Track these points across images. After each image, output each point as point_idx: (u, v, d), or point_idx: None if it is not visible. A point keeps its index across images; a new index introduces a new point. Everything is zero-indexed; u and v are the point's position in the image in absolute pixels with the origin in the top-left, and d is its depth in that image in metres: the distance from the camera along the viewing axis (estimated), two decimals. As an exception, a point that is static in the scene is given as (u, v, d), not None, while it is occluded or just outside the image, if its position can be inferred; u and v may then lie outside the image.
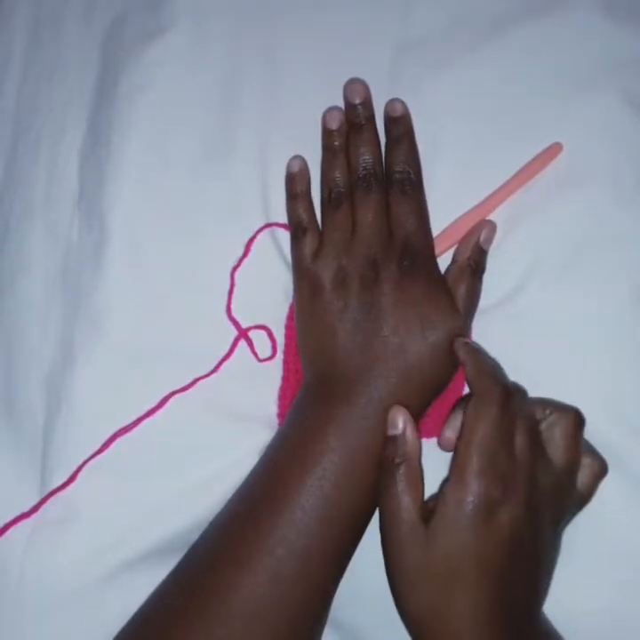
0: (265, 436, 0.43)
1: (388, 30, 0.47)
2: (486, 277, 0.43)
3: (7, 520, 0.43)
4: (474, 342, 0.40)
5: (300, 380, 0.44)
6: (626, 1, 0.46)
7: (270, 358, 0.45)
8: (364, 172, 0.43)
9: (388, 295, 0.40)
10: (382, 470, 0.38)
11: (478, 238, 0.42)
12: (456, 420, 0.39)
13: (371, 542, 0.39)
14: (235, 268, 0.45)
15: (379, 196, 0.43)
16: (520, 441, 0.36)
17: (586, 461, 0.39)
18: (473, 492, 0.35)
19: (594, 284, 0.42)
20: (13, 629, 0.42)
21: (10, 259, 0.48)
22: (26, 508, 0.43)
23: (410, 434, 0.38)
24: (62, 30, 0.51)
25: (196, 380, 0.44)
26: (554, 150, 0.44)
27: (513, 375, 0.40)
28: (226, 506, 0.41)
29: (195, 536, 0.41)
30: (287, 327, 0.45)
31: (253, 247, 0.45)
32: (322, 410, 0.40)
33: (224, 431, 0.44)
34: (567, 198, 0.43)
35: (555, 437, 0.38)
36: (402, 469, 0.37)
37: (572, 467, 0.38)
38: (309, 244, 0.43)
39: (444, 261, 0.43)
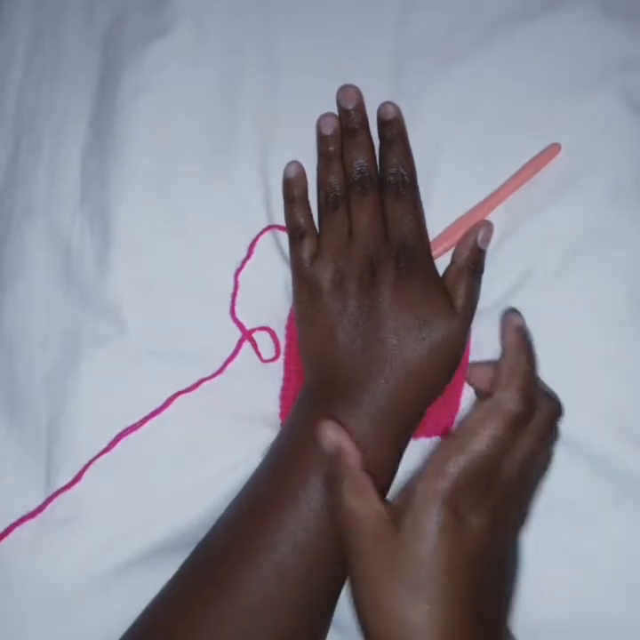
0: (268, 436, 0.44)
1: (388, 31, 0.47)
2: (485, 278, 0.43)
3: (13, 520, 0.43)
4: (525, 328, 0.37)
5: (301, 381, 0.44)
6: (625, 1, 0.46)
7: (273, 359, 0.45)
8: (359, 176, 0.43)
9: (386, 297, 0.40)
10: (329, 490, 0.36)
11: (476, 239, 0.42)
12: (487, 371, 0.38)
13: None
14: (238, 271, 0.46)
15: (374, 198, 0.43)
16: (516, 458, 0.35)
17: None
18: (450, 489, 0.32)
19: (592, 284, 0.42)
20: (19, 628, 0.43)
21: (11, 259, 0.48)
22: (31, 508, 0.43)
23: (345, 446, 0.36)
24: (63, 31, 0.51)
25: (201, 380, 0.44)
26: (552, 151, 0.44)
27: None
28: (231, 504, 0.41)
29: (200, 534, 0.41)
30: (288, 328, 0.46)
31: (256, 249, 0.46)
32: (322, 409, 0.40)
33: (228, 431, 0.44)
34: (566, 199, 0.43)
35: (539, 459, 0.37)
36: (353, 480, 0.35)
37: (544, 476, 0.38)
38: (307, 247, 0.44)
39: (443, 262, 0.44)
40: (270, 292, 0.46)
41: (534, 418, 0.35)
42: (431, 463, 0.34)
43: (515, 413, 0.34)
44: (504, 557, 0.36)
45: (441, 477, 0.33)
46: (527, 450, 0.35)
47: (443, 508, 0.32)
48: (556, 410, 0.37)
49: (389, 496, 0.40)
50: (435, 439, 0.42)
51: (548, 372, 0.40)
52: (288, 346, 0.45)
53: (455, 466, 0.33)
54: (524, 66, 0.45)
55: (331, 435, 0.36)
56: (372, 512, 0.34)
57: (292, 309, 0.45)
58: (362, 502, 0.34)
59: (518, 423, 0.34)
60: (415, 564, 0.32)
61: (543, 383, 0.39)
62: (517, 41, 0.46)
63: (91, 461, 0.43)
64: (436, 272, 0.42)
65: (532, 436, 0.35)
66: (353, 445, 0.36)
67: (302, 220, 0.44)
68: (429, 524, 0.32)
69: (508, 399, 0.34)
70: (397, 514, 0.33)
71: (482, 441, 0.33)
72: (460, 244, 0.43)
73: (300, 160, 0.45)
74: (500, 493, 0.34)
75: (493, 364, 0.37)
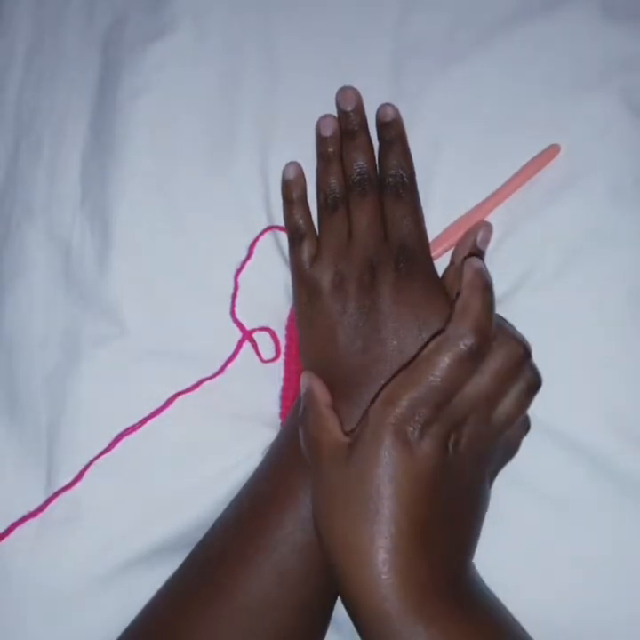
0: (268, 436, 0.44)
1: (387, 31, 0.47)
2: None
3: (13, 520, 0.43)
4: (487, 273, 0.37)
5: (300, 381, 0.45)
6: (625, 1, 0.46)
7: (274, 359, 0.45)
8: (358, 177, 0.44)
9: (386, 298, 0.40)
10: (299, 425, 0.38)
11: (476, 239, 0.42)
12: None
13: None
14: (238, 272, 0.46)
15: (374, 200, 0.43)
16: (468, 392, 0.35)
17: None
18: (401, 414, 0.33)
19: (592, 284, 0.42)
20: (19, 628, 0.43)
21: (11, 259, 0.48)
22: (31, 508, 0.43)
23: (315, 387, 0.39)
24: (63, 32, 0.51)
25: (202, 381, 0.44)
26: (552, 151, 0.44)
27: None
28: (231, 504, 0.41)
29: (200, 535, 0.41)
30: (288, 329, 0.46)
31: (256, 249, 0.46)
32: None
33: (228, 431, 0.44)
34: (565, 199, 0.43)
35: (509, 390, 0.37)
36: (318, 414, 0.37)
37: (512, 422, 0.37)
38: (307, 249, 0.44)
39: (443, 263, 0.44)
40: (270, 292, 0.46)
41: (493, 356, 0.36)
42: (383, 392, 0.35)
43: (465, 346, 0.34)
44: (460, 491, 0.36)
45: (390, 405, 0.34)
46: (483, 385, 0.35)
47: (390, 433, 0.33)
48: (517, 351, 0.36)
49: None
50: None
51: (548, 372, 0.40)
52: (288, 346, 0.45)
53: (404, 394, 0.34)
54: (523, 66, 0.45)
55: (305, 378, 0.39)
56: (332, 439, 0.36)
57: (292, 310, 0.46)
58: (323, 431, 0.36)
59: (469, 356, 0.34)
60: (363, 486, 0.33)
61: (511, 327, 0.38)
62: (517, 41, 0.45)
63: (91, 461, 0.43)
64: (435, 273, 0.42)
65: (489, 372, 0.35)
66: (323, 388, 0.39)
67: (301, 222, 0.44)
68: (377, 448, 0.33)
69: (460, 333, 0.34)
70: (353, 440, 0.35)
71: (431, 371, 0.34)
72: (459, 245, 0.43)
73: (300, 161, 0.46)
74: (450, 423, 0.34)
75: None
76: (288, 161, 0.45)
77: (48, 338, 0.46)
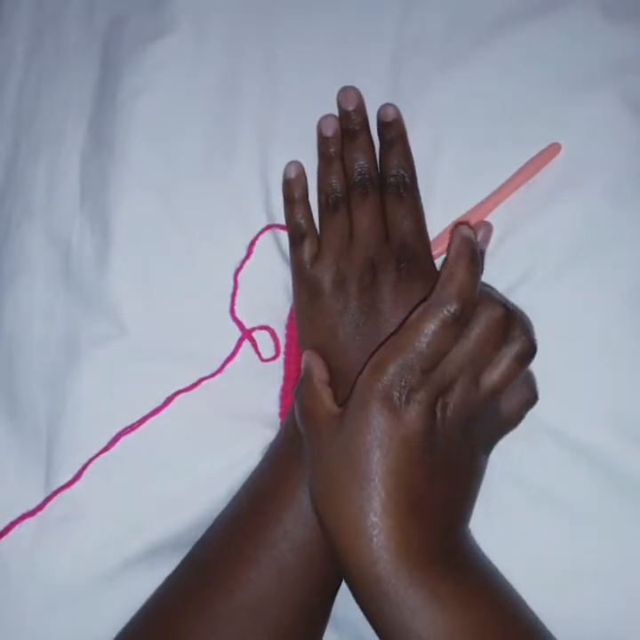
0: (268, 435, 0.44)
1: (387, 31, 0.47)
2: (484, 278, 0.42)
3: (12, 518, 0.43)
4: (475, 239, 0.37)
5: (300, 380, 0.45)
6: (625, 1, 0.46)
7: (273, 358, 0.45)
8: (359, 177, 0.44)
9: (387, 297, 0.41)
10: (295, 400, 0.39)
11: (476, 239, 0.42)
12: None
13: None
14: (238, 270, 0.46)
15: (375, 200, 0.43)
16: (454, 358, 0.35)
17: (516, 384, 0.38)
18: (387, 380, 0.34)
19: (592, 284, 0.42)
20: (18, 627, 0.43)
21: (10, 259, 0.48)
22: (31, 507, 0.43)
23: (313, 363, 0.39)
24: (63, 32, 0.51)
25: (201, 380, 0.44)
26: (552, 150, 0.44)
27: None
28: (230, 502, 0.42)
29: (199, 533, 0.41)
30: (288, 328, 0.46)
31: (256, 248, 0.46)
32: None
33: (227, 430, 0.44)
34: (565, 199, 0.43)
35: (498, 360, 0.36)
36: (313, 388, 0.38)
37: (502, 392, 0.37)
38: (308, 248, 0.44)
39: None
40: (270, 291, 0.46)
41: (476, 319, 0.36)
42: (370, 360, 0.35)
43: (449, 311, 0.34)
44: (450, 457, 0.36)
45: (377, 372, 0.34)
46: (468, 350, 0.35)
47: (377, 400, 0.34)
48: (497, 312, 0.36)
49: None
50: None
51: (548, 372, 0.40)
52: (288, 345, 0.45)
53: (390, 361, 0.34)
54: (523, 66, 0.45)
55: (305, 355, 0.41)
56: (324, 410, 0.36)
57: (292, 309, 0.46)
58: (317, 403, 0.37)
59: (454, 321, 0.34)
60: (353, 453, 0.34)
61: (494, 291, 0.39)
62: (517, 41, 0.45)
63: (90, 460, 0.43)
64: (436, 272, 0.42)
65: (474, 336, 0.36)
66: (321, 365, 0.40)
67: (303, 221, 0.44)
68: (365, 415, 0.34)
69: (443, 299, 0.34)
70: (342, 410, 0.36)
71: (416, 337, 0.34)
72: (459, 245, 0.43)
73: (300, 160, 0.46)
74: (437, 389, 0.35)
75: None
76: (288, 160, 0.45)
77: (48, 338, 0.46)
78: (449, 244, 0.36)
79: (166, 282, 0.46)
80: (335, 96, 0.46)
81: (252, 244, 0.46)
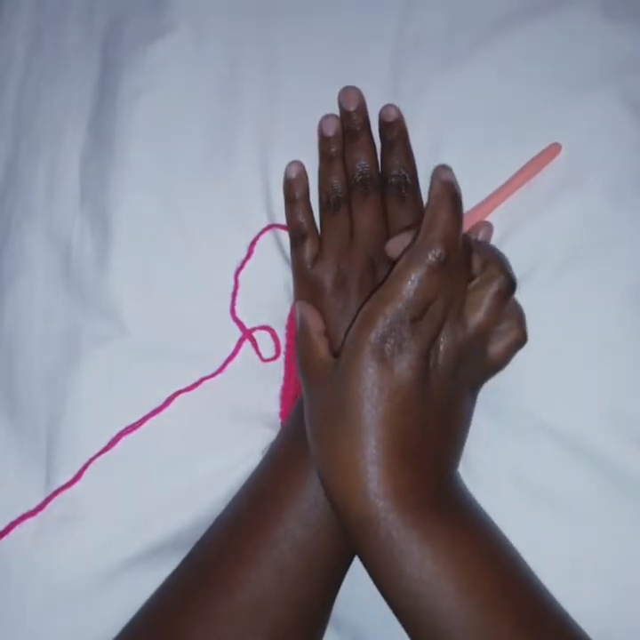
0: (267, 435, 0.44)
1: (387, 32, 0.47)
2: None
3: (12, 518, 0.43)
4: (456, 182, 0.37)
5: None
6: (625, 2, 0.46)
7: (274, 358, 0.45)
8: (360, 177, 0.44)
9: None
10: (296, 350, 0.40)
11: (476, 239, 0.43)
12: (405, 239, 0.38)
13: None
14: (238, 270, 0.46)
15: (376, 199, 0.44)
16: (438, 303, 0.35)
17: (505, 326, 0.38)
18: (377, 332, 0.34)
19: (593, 284, 0.42)
20: (19, 627, 0.42)
21: (10, 259, 0.48)
22: (31, 507, 0.43)
23: (307, 315, 0.40)
24: (63, 32, 0.51)
25: (202, 379, 0.44)
26: (553, 151, 0.44)
27: (511, 375, 0.40)
28: (231, 502, 0.41)
29: (199, 533, 0.41)
30: (288, 327, 0.46)
31: (256, 248, 0.46)
32: None
33: (228, 430, 0.44)
34: (565, 199, 0.43)
35: (477, 299, 0.37)
36: (309, 339, 0.39)
37: (487, 330, 0.37)
38: (309, 248, 0.44)
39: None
40: (270, 291, 0.46)
41: (458, 264, 0.36)
42: (360, 312, 0.35)
43: (434, 257, 0.34)
44: (440, 404, 0.36)
45: (367, 324, 0.34)
46: (452, 293, 0.36)
47: (368, 352, 0.34)
48: (462, 247, 0.36)
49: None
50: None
51: (549, 372, 0.40)
52: (288, 345, 0.45)
53: (380, 312, 0.34)
54: (523, 66, 0.45)
55: (298, 307, 0.41)
56: (320, 361, 0.37)
57: (292, 308, 0.46)
58: (313, 353, 0.38)
59: (439, 266, 0.34)
60: (346, 402, 0.34)
61: (469, 237, 0.39)
62: (517, 41, 0.46)
63: (90, 460, 0.43)
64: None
65: (458, 280, 0.36)
66: (316, 316, 0.40)
67: (303, 221, 0.45)
68: (357, 367, 0.34)
69: (428, 244, 0.34)
70: (337, 360, 0.36)
71: (403, 286, 0.34)
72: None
73: (301, 160, 0.46)
74: (427, 336, 0.35)
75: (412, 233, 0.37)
76: (288, 160, 0.46)
77: (48, 338, 0.46)
78: (430, 188, 0.36)
79: (166, 282, 0.46)
80: (335, 96, 0.46)
81: (253, 243, 0.46)
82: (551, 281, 0.43)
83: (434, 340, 0.35)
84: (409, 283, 0.34)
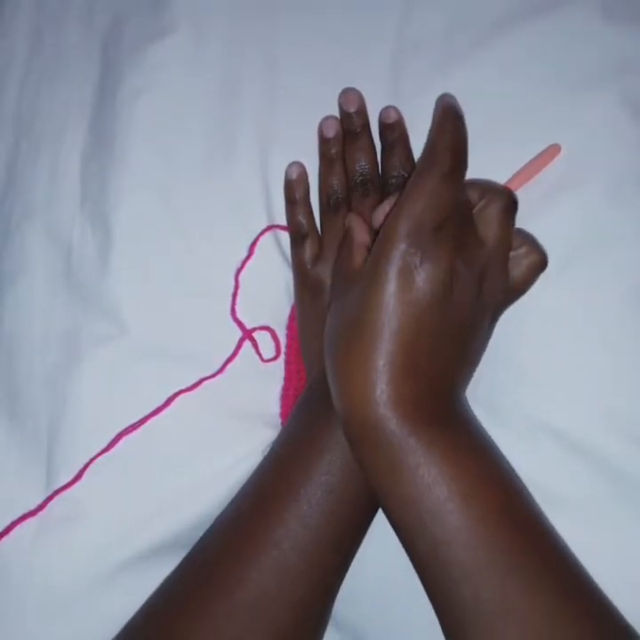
0: (267, 435, 0.44)
1: (388, 32, 0.47)
2: None
3: (13, 518, 0.43)
4: (458, 105, 0.38)
5: (301, 380, 0.44)
6: (625, 2, 0.46)
7: (274, 359, 0.45)
8: (360, 178, 0.44)
9: None
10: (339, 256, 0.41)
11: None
12: (387, 207, 0.39)
13: (371, 543, 0.40)
14: (239, 271, 0.46)
15: (375, 200, 0.44)
16: (455, 217, 0.36)
17: (523, 251, 0.39)
18: (396, 248, 0.34)
19: (592, 284, 0.42)
20: (19, 627, 0.43)
21: (11, 259, 0.49)
22: (31, 507, 0.43)
23: (354, 226, 0.40)
24: (63, 33, 0.51)
25: (202, 380, 0.44)
26: (553, 151, 0.44)
27: (511, 374, 0.40)
28: (232, 501, 0.41)
29: (200, 533, 0.41)
30: (289, 328, 0.46)
31: (256, 249, 0.46)
32: (326, 406, 0.40)
33: (228, 430, 0.44)
34: (565, 199, 0.43)
35: (487, 217, 0.38)
36: (349, 243, 0.40)
37: (503, 243, 0.38)
38: (309, 249, 0.44)
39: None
40: (271, 291, 0.46)
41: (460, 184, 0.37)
42: (383, 226, 0.36)
43: (445, 165, 0.35)
44: (457, 322, 0.36)
45: (388, 237, 0.35)
46: (467, 210, 0.37)
47: (391, 263, 0.34)
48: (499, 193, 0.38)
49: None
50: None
51: (549, 372, 0.40)
52: (289, 345, 0.46)
53: (399, 224, 0.35)
54: (523, 66, 0.45)
55: (348, 220, 0.41)
56: (353, 271, 0.38)
57: (292, 309, 0.46)
58: (350, 262, 0.39)
59: (452, 175, 0.35)
60: (365, 311, 0.35)
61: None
62: (517, 41, 0.46)
63: (91, 460, 0.43)
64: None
65: (465, 203, 0.37)
66: (364, 228, 0.40)
67: (304, 222, 0.45)
68: (379, 277, 0.35)
69: (438, 155, 0.35)
70: (361, 273, 0.37)
71: (419, 197, 0.35)
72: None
73: (301, 161, 0.46)
74: (450, 245, 0.35)
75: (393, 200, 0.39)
76: (288, 161, 0.46)
77: (48, 338, 0.46)
78: (434, 116, 0.37)
79: (166, 282, 0.46)
80: (335, 96, 0.46)
81: (254, 244, 0.46)
82: (551, 280, 0.42)
83: (456, 252, 0.36)
84: (424, 194, 0.35)
